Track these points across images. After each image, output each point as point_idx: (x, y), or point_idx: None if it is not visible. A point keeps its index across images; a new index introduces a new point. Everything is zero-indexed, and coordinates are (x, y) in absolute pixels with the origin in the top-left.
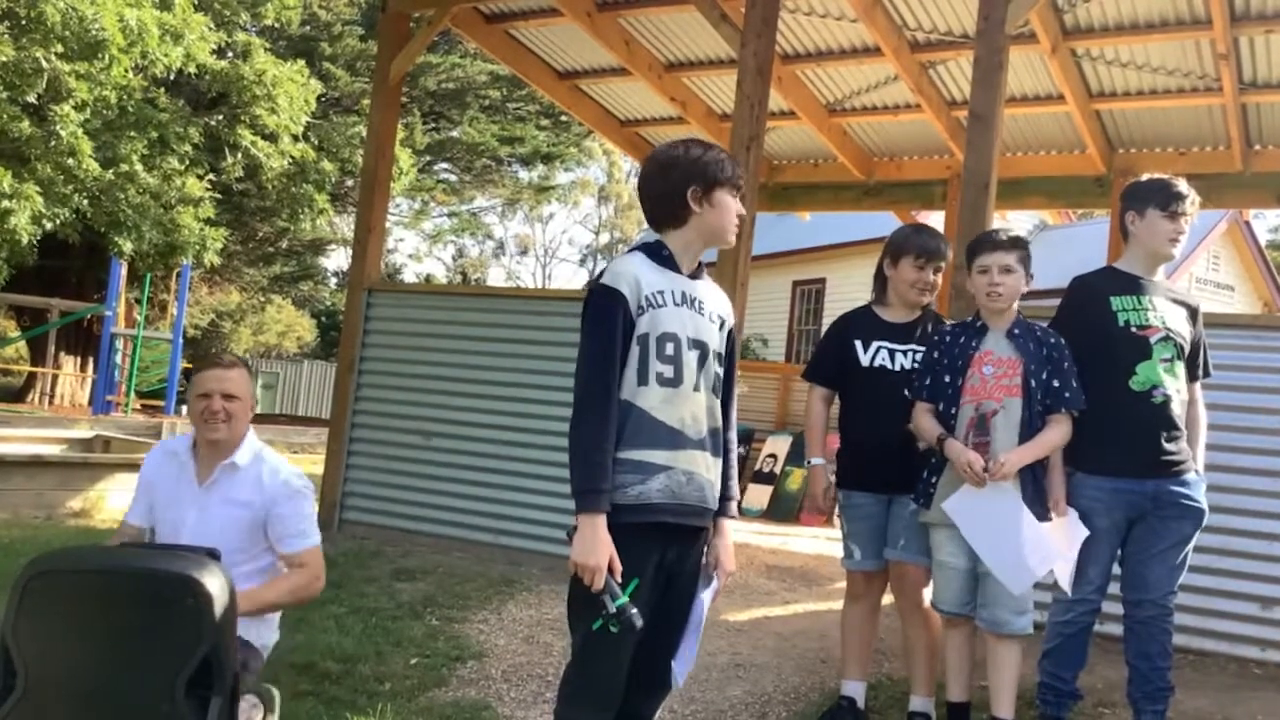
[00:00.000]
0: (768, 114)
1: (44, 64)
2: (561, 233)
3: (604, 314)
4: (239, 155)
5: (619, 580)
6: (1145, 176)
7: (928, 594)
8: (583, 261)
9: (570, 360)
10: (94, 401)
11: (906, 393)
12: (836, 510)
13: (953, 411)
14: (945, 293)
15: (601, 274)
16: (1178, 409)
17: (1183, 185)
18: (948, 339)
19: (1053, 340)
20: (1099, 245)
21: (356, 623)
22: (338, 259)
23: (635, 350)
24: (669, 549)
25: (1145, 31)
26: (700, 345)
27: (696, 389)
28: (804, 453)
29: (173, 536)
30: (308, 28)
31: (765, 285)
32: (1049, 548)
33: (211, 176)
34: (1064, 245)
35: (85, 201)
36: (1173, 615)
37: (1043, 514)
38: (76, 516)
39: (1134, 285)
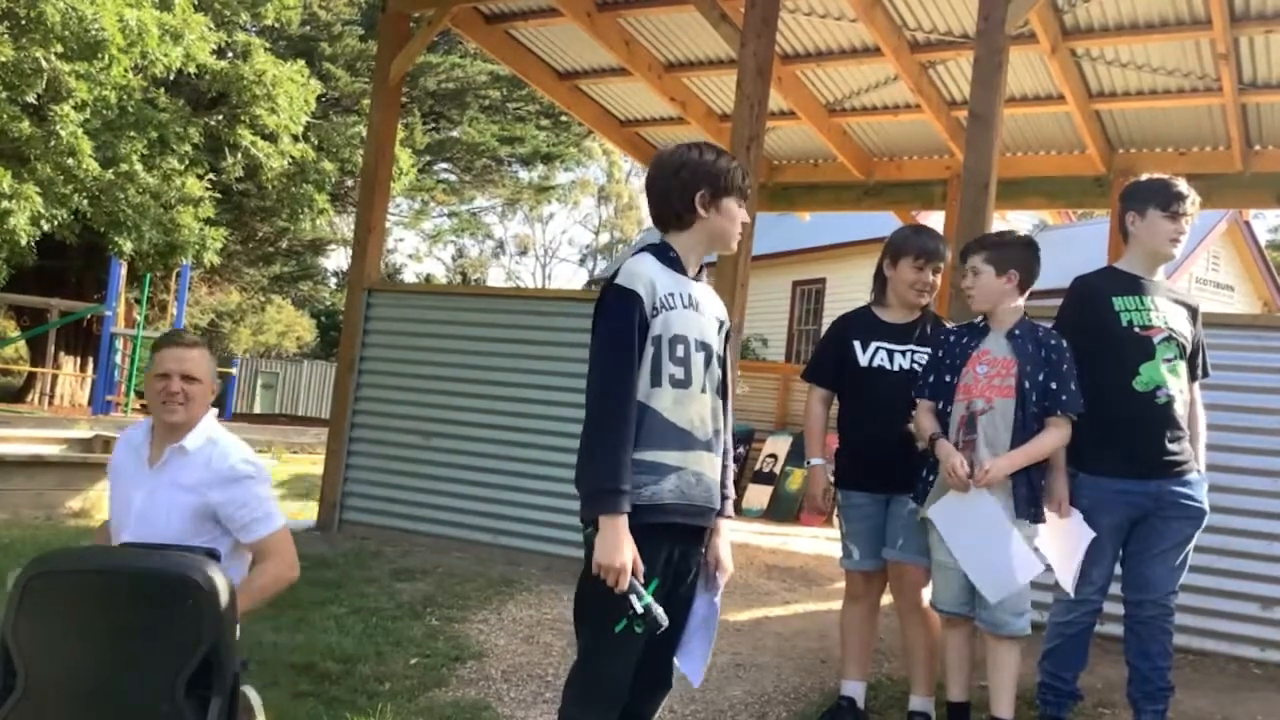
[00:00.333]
0: (768, 114)
1: (44, 64)
2: (561, 233)
3: (621, 314)
4: (239, 155)
5: (642, 580)
6: (1146, 176)
7: (927, 594)
8: (582, 261)
9: (570, 360)
10: (94, 401)
11: (913, 392)
12: (835, 510)
13: (948, 410)
14: (945, 293)
15: (615, 274)
16: (1180, 409)
17: (1183, 185)
18: (952, 339)
19: (1053, 342)
20: (1099, 245)
21: (356, 623)
22: (338, 259)
23: (649, 352)
24: (675, 548)
25: (1145, 31)
26: (706, 347)
27: (704, 390)
28: (804, 453)
29: (121, 518)
30: (308, 28)
31: (765, 285)
32: (1030, 558)
33: (211, 176)
34: (1064, 245)
35: (85, 201)
36: (1174, 615)
37: (1038, 515)
38: (76, 516)
39: (1136, 285)
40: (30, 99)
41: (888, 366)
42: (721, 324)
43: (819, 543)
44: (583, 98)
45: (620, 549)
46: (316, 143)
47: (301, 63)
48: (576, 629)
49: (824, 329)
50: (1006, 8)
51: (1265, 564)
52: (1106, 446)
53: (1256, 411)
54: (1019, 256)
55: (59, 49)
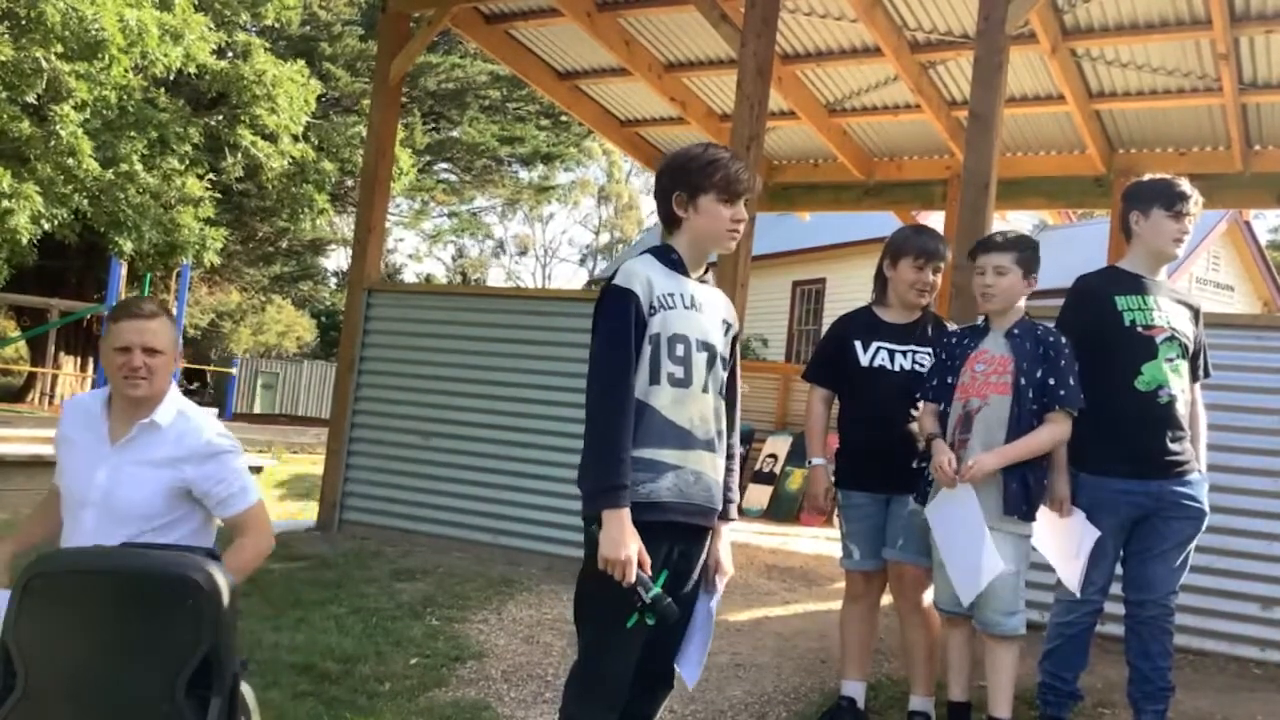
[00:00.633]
0: (768, 114)
1: (44, 64)
2: (561, 233)
3: (619, 313)
4: (239, 155)
5: (649, 573)
6: (1149, 176)
7: (927, 595)
8: (582, 261)
9: (570, 360)
10: None
11: (917, 394)
12: (836, 510)
13: (947, 410)
14: (945, 293)
15: (614, 274)
16: (1182, 409)
17: (1187, 185)
18: (954, 340)
19: (1052, 339)
20: (1099, 245)
21: (356, 623)
22: (338, 259)
23: (647, 350)
24: (675, 547)
25: (1145, 31)
26: (708, 348)
27: (705, 390)
28: (804, 453)
29: (79, 497)
30: (308, 28)
31: (765, 285)
32: (995, 559)
33: (211, 176)
34: (1064, 245)
35: (85, 201)
36: (1174, 615)
37: (1030, 513)
38: None
39: (1138, 285)
40: (30, 99)
41: (888, 366)
42: (729, 326)
43: (819, 543)
44: (583, 98)
45: (625, 542)
46: (316, 143)
47: (301, 63)
48: (577, 628)
49: (824, 329)
50: (1006, 8)
51: (1265, 564)
52: (1108, 446)
53: (1256, 411)
54: (1038, 259)
55: (59, 49)
